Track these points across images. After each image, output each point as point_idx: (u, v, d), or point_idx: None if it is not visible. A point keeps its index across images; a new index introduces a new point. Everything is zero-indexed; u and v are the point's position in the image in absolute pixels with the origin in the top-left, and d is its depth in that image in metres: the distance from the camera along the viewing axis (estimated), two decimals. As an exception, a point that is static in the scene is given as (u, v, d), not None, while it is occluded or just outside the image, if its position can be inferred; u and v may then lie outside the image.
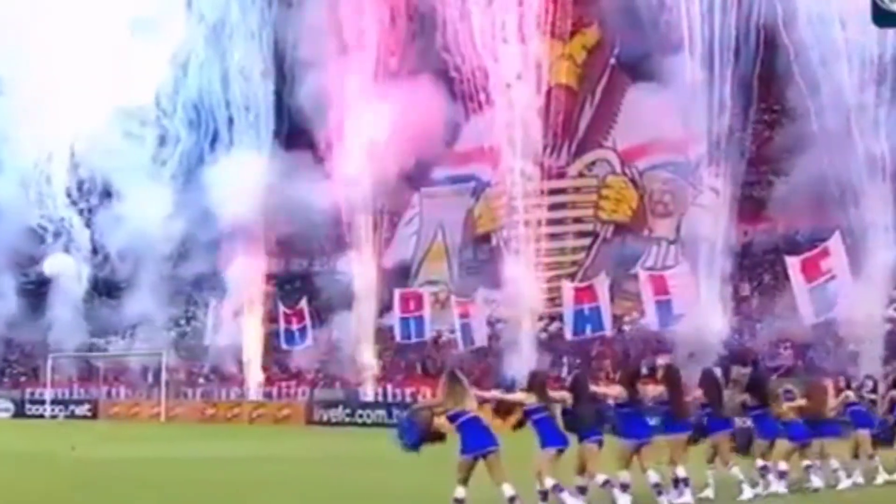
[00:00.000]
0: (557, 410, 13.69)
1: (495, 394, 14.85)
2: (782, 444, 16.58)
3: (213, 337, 47.83)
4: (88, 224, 52.66)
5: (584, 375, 15.23)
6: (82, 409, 48.55)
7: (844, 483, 16.85)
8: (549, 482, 13.16)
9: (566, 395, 13.93)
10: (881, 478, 17.56)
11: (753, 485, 15.67)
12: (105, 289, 52.18)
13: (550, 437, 13.31)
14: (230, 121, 49.62)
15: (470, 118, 48.26)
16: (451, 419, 12.54)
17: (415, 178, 49.60)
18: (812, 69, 33.93)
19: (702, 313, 35.02)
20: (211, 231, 47.13)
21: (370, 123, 42.83)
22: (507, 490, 12.20)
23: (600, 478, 13.79)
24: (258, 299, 47.97)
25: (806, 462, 16.46)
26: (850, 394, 17.88)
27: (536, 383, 13.81)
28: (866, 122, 33.24)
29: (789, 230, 41.71)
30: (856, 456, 17.58)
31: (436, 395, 13.31)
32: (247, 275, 47.63)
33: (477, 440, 12.34)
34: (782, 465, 16.31)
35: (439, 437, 12.59)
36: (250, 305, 47.66)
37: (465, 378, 13.00)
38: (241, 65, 48.83)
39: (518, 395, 13.91)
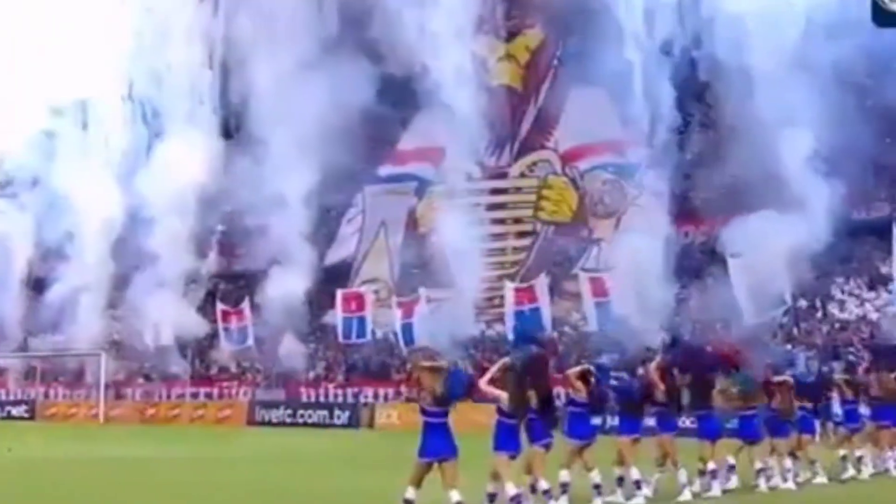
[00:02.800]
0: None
1: (491, 389, 13.13)
2: (728, 443, 16.84)
3: (153, 336, 47.32)
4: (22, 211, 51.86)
5: (548, 377, 14.67)
6: (19, 410, 47.84)
7: (788, 483, 17.15)
8: (510, 488, 12.82)
9: (532, 395, 13.43)
10: (819, 479, 17.91)
11: (704, 488, 15.91)
12: (42, 286, 51.43)
13: (505, 443, 12.99)
14: (170, 113, 49.09)
15: (413, 117, 48.42)
16: (426, 412, 12.20)
17: (357, 176, 49.56)
18: (740, 72, 34.30)
19: (641, 314, 35.31)
20: (150, 227, 46.68)
21: (307, 118, 42.47)
22: (454, 496, 12.03)
23: (542, 485, 13.66)
24: (199, 298, 47.65)
25: (758, 465, 16.70)
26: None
27: (514, 383, 13.04)
28: (797, 124, 33.66)
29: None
30: (794, 456, 17.89)
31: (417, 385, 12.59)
32: (187, 273, 47.32)
33: (438, 446, 12.07)
34: (730, 460, 16.59)
35: None
36: (190, 304, 47.34)
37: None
38: (180, 56, 48.30)
39: (502, 394, 13.01)
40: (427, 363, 12.30)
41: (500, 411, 13.08)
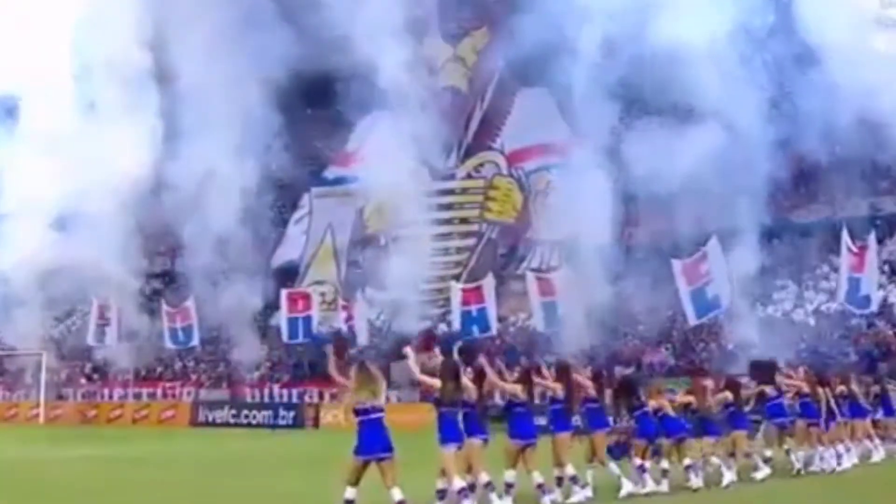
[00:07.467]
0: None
1: (421, 376, 13.62)
2: (660, 442, 17.03)
3: (95, 336, 46.73)
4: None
5: (484, 371, 14.77)
6: (-43, 412, 47.10)
7: (726, 479, 17.31)
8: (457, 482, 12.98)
9: (471, 387, 13.66)
10: (759, 474, 18.09)
11: (634, 483, 16.04)
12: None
13: (451, 434, 13.06)
14: (105, 101, 48.14)
15: (359, 120, 48.34)
16: (357, 412, 12.32)
17: (304, 178, 49.43)
18: (684, 70, 34.48)
19: (586, 314, 35.45)
20: (91, 224, 45.91)
21: (251, 118, 41.99)
22: (396, 495, 12.11)
23: (483, 478, 13.75)
24: (141, 298, 47.14)
25: (687, 462, 16.89)
26: (729, 394, 18.35)
27: (449, 373, 13.30)
28: (746, 127, 33.91)
29: (672, 232, 42.47)
30: (732, 455, 18.08)
31: (345, 386, 12.88)
32: (130, 272, 46.76)
33: (373, 444, 12.15)
34: (663, 464, 16.75)
35: None
36: (132, 304, 46.78)
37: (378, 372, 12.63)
38: (117, 44, 47.40)
39: (435, 381, 13.25)
40: (349, 362, 12.53)
41: (439, 402, 13.16)
